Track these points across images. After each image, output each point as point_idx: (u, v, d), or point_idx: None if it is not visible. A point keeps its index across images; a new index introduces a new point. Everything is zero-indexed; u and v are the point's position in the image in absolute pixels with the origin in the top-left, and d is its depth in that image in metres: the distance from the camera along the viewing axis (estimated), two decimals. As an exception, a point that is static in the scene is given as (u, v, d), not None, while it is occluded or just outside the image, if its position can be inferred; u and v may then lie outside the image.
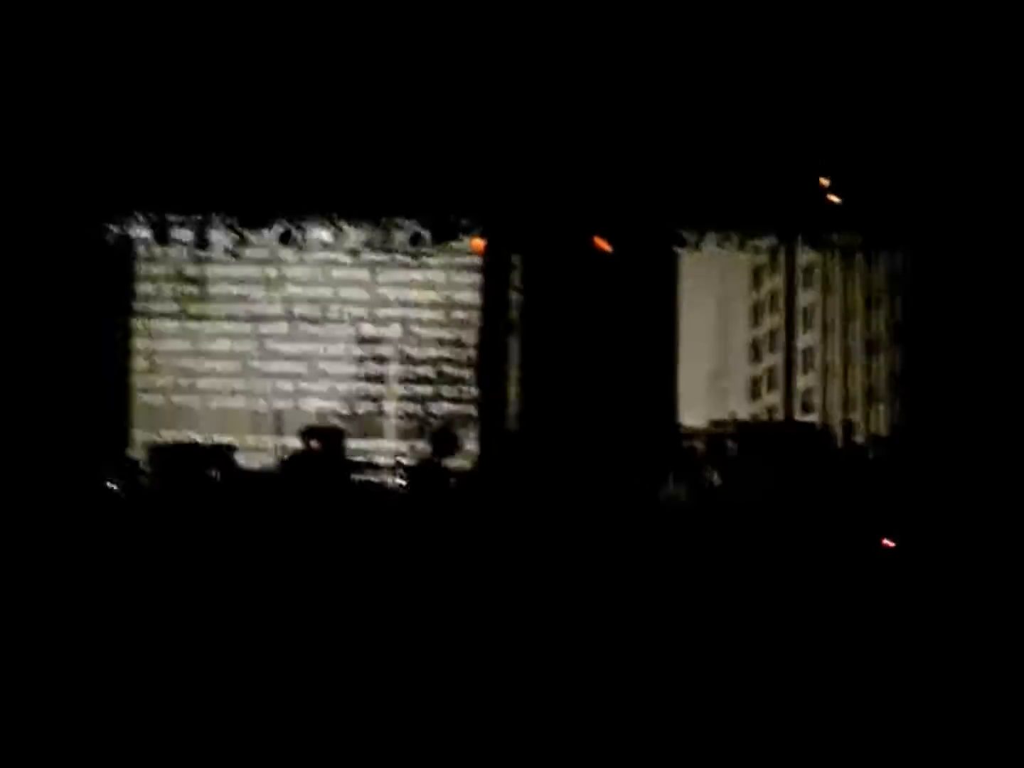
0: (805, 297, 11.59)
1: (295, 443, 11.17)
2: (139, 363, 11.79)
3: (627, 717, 6.16)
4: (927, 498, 9.35)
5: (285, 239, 11.50)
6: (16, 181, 10.82)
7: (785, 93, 10.31)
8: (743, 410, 11.59)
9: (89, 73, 10.56)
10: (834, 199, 10.77)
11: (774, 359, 11.67)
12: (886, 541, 9.28)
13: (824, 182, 10.74)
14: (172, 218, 11.49)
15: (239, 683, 6.83)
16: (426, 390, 11.63)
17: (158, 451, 11.19)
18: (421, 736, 6.03)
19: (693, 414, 11.20)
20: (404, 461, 11.25)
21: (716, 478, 10.45)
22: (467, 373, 11.59)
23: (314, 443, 10.85)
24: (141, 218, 11.53)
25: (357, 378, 11.73)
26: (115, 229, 11.56)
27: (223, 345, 11.78)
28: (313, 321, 11.73)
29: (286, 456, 11.11)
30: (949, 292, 10.58)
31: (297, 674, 7.04)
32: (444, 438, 10.87)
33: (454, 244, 11.46)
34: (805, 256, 11.55)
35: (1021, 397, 10.28)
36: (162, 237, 11.59)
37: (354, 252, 11.64)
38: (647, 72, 10.27)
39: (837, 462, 10.56)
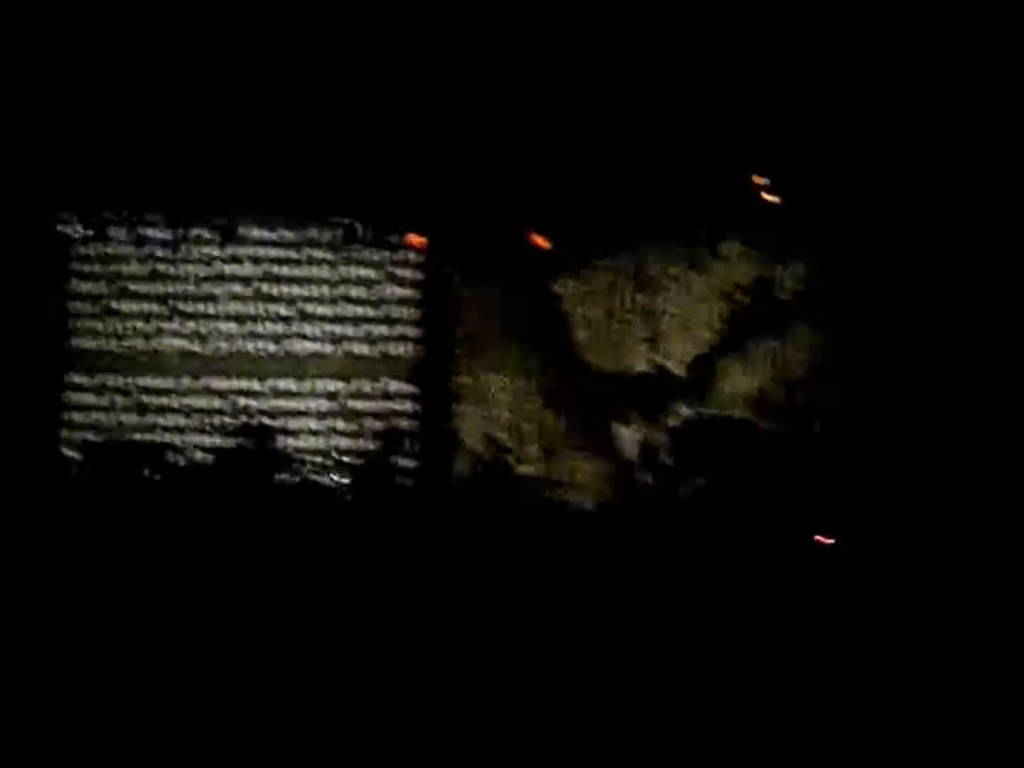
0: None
1: (228, 442, 11.11)
2: (73, 361, 11.66)
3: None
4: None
5: (225, 235, 11.43)
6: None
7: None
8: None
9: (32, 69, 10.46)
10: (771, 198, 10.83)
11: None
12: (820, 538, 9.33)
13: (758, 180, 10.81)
14: (108, 215, 11.37)
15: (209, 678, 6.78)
16: (364, 387, 11.57)
17: (91, 449, 11.10)
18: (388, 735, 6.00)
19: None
20: (343, 459, 11.21)
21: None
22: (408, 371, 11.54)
23: (247, 441, 10.79)
24: (76, 214, 11.42)
25: (292, 375, 11.63)
26: (52, 225, 11.44)
27: (161, 343, 11.66)
28: (249, 319, 11.64)
29: (219, 455, 11.05)
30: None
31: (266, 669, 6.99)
32: (387, 436, 10.85)
33: (390, 240, 11.44)
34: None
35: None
36: (99, 234, 11.48)
37: (289, 248, 11.57)
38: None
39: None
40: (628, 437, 11.17)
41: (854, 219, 10.73)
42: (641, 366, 11.36)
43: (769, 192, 10.81)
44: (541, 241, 11.42)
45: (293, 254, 11.58)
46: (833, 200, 10.71)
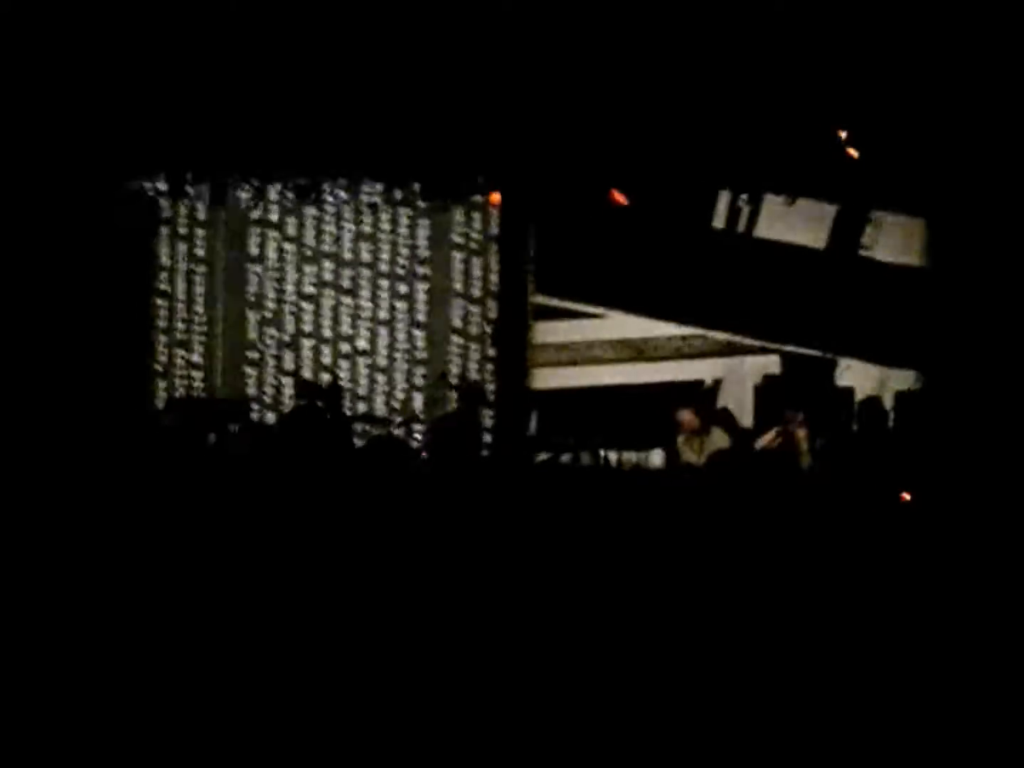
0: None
1: (305, 400, 11.29)
2: (160, 318, 11.89)
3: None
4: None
5: (302, 194, 11.55)
6: (37, 138, 10.92)
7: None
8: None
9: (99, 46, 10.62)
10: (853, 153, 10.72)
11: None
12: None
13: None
14: (190, 175, 11.56)
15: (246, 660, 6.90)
16: (441, 347, 11.65)
17: (177, 404, 11.35)
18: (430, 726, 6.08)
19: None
20: (419, 418, 11.33)
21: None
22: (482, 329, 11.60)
23: (316, 398, 10.92)
24: (162, 175, 11.62)
25: (369, 333, 11.73)
26: (135, 186, 11.65)
27: (240, 298, 11.84)
28: (331, 277, 11.78)
29: (290, 411, 11.20)
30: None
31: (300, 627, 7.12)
32: (468, 392, 10.84)
33: (468, 199, 11.49)
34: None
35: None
36: (181, 193, 11.68)
37: (371, 207, 11.66)
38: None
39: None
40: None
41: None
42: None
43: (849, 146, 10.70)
44: (621, 198, 11.40)
45: (370, 214, 11.68)
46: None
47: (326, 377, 11.47)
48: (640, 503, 9.50)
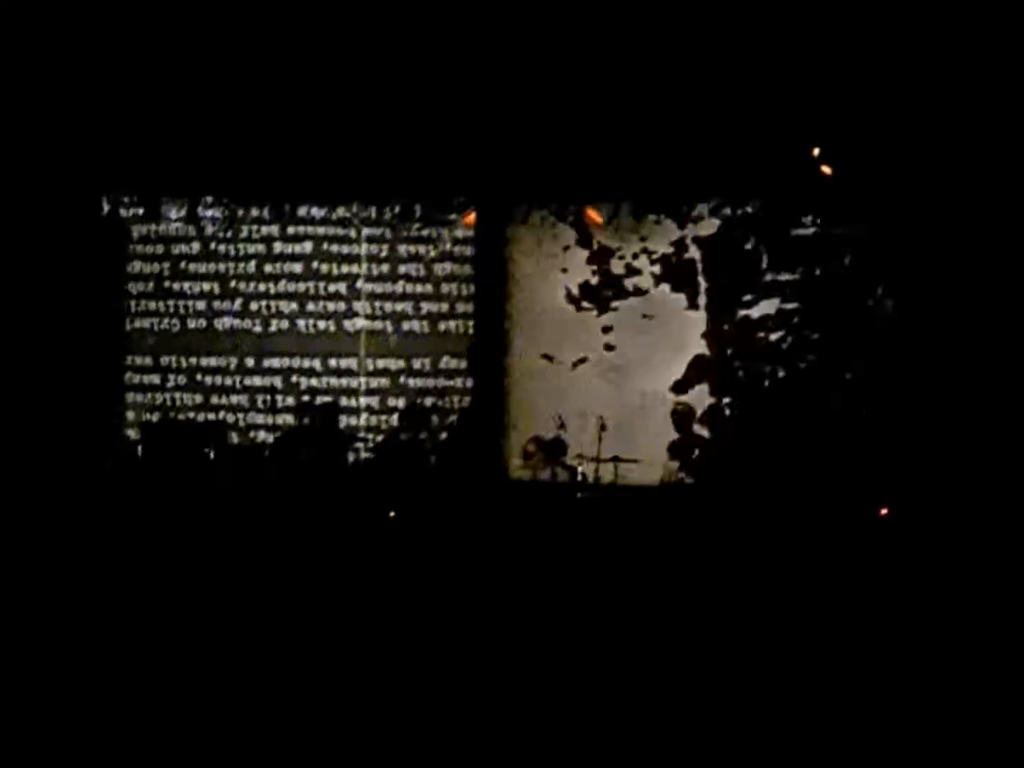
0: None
1: (289, 420, 11.22)
2: (132, 342, 11.78)
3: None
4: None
5: (277, 214, 11.49)
6: (10, 158, 10.82)
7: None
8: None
9: (82, 53, 10.54)
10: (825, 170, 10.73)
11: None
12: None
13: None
14: (163, 195, 11.47)
15: (236, 668, 6.85)
16: (421, 364, 11.61)
17: (151, 430, 11.24)
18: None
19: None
20: (399, 437, 11.28)
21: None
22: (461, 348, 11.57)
23: (308, 419, 10.89)
24: (133, 196, 11.53)
25: (349, 354, 11.69)
26: (107, 206, 11.55)
27: (217, 323, 11.76)
28: (306, 297, 11.71)
29: (281, 433, 11.15)
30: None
31: (290, 646, 7.06)
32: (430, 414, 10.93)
33: (445, 217, 11.46)
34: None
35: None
36: (154, 214, 11.58)
37: (347, 226, 11.62)
38: (628, 53, 10.24)
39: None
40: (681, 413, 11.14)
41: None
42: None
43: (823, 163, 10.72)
44: (596, 216, 11.42)
45: (348, 232, 11.63)
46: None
47: (324, 398, 11.39)
48: (618, 519, 9.51)
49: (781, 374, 11.06)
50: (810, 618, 7.34)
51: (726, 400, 11.17)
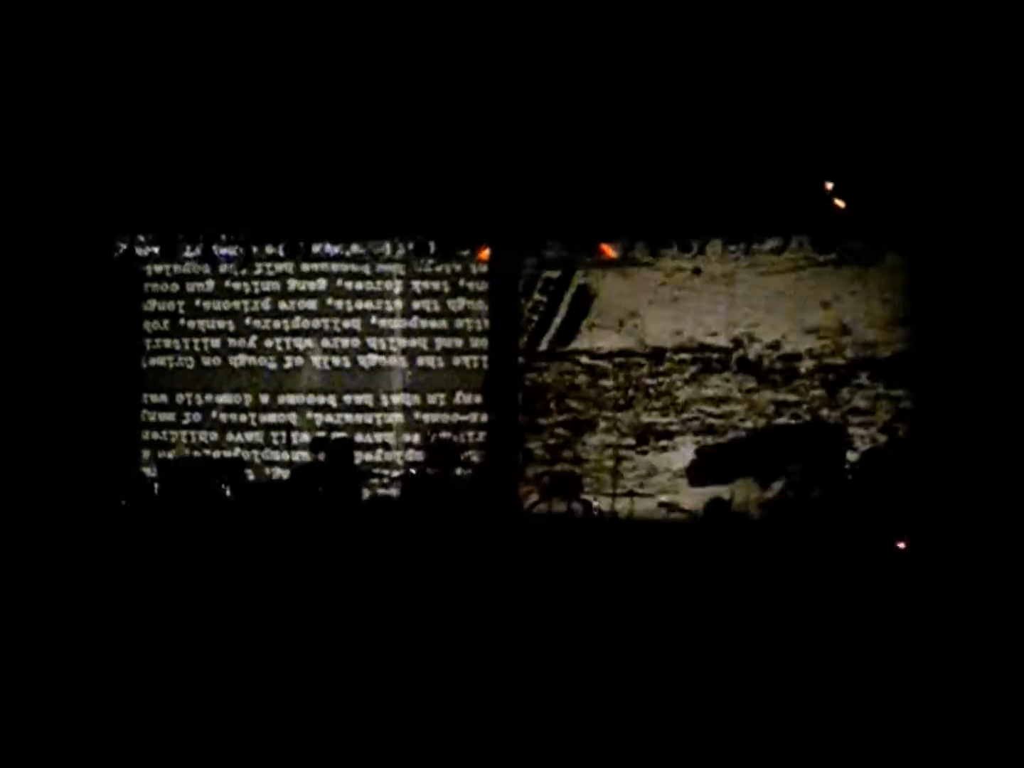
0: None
1: (305, 455, 11.24)
2: (148, 379, 11.82)
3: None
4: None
5: (292, 251, 11.54)
6: (26, 198, 10.91)
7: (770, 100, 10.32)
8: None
9: (96, 93, 10.62)
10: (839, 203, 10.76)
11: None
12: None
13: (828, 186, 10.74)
14: (179, 234, 11.54)
15: (245, 692, 6.86)
16: (436, 399, 11.63)
17: (168, 466, 11.27)
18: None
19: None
20: (411, 471, 11.29)
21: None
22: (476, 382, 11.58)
23: (323, 455, 10.90)
24: (148, 235, 11.61)
25: (365, 390, 11.72)
26: (123, 245, 11.63)
27: (233, 360, 11.80)
28: (320, 333, 11.74)
29: (296, 468, 11.18)
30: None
31: (302, 682, 7.07)
32: (445, 449, 10.94)
33: (459, 253, 11.51)
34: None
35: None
36: (170, 253, 11.66)
37: (361, 263, 11.68)
38: (639, 84, 10.29)
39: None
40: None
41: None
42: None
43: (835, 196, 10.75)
44: (610, 252, 11.46)
45: (363, 269, 11.69)
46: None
47: (338, 434, 11.41)
48: (631, 553, 9.50)
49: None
50: (826, 661, 7.33)
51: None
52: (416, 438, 11.56)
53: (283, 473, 11.50)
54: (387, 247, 11.64)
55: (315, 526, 10.03)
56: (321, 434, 11.38)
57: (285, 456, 11.61)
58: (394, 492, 11.08)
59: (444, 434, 11.33)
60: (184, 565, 9.26)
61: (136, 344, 11.77)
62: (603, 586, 8.76)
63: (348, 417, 11.66)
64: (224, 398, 11.76)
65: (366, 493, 10.96)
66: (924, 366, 10.86)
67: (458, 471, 10.78)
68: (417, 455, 11.42)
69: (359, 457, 11.32)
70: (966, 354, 10.41)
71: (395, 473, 11.39)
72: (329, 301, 11.77)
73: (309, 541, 9.66)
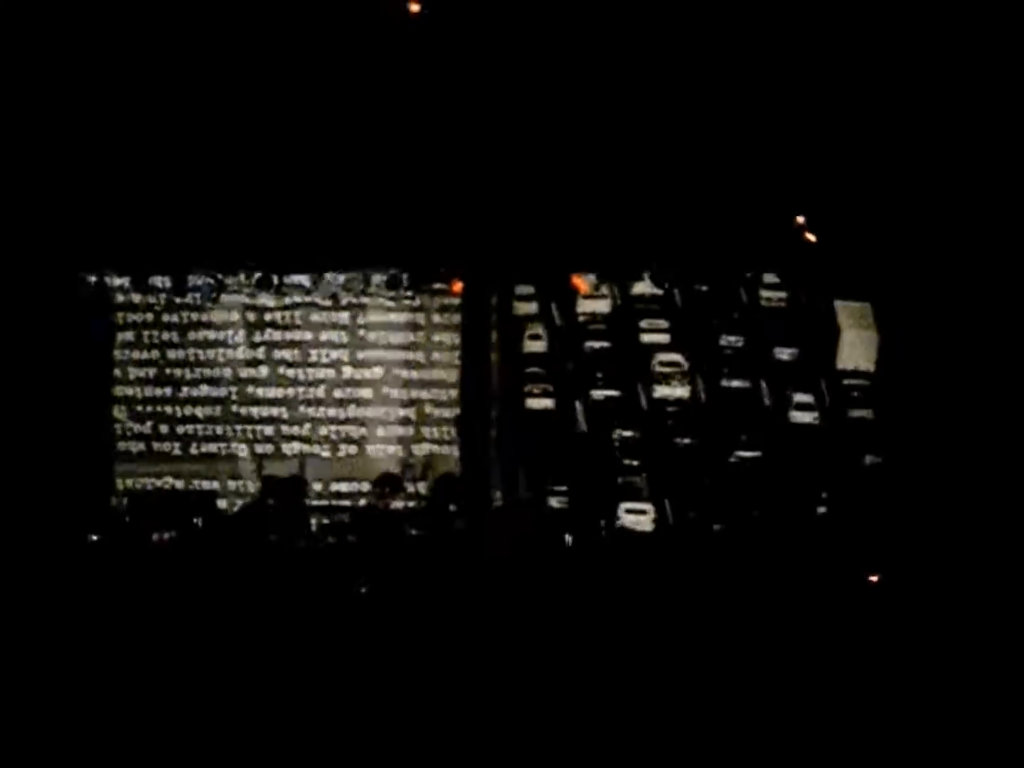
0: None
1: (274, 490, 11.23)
2: (119, 411, 11.76)
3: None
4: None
5: (263, 284, 11.53)
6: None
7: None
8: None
9: (68, 130, 10.63)
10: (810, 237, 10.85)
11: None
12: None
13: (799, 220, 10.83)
14: (149, 269, 11.53)
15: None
16: (407, 431, 11.63)
17: (140, 500, 11.20)
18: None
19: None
20: (385, 503, 11.29)
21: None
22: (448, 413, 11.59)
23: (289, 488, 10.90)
24: (120, 267, 11.57)
25: (338, 421, 11.71)
26: (93, 278, 11.58)
27: (203, 391, 11.77)
28: (293, 365, 11.73)
29: (264, 502, 11.15)
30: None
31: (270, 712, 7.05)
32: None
33: (432, 286, 11.53)
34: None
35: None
36: (141, 285, 11.62)
37: (333, 296, 11.68)
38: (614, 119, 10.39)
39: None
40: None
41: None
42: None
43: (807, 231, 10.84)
44: (582, 284, 11.50)
45: (335, 301, 11.67)
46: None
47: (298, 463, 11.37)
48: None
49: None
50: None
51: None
52: (385, 469, 11.55)
53: (251, 505, 11.46)
54: (359, 279, 11.62)
55: (276, 560, 10.01)
56: (291, 466, 11.37)
57: (252, 487, 11.56)
58: (356, 525, 11.08)
59: (416, 466, 11.34)
60: (155, 600, 9.21)
61: (108, 374, 11.70)
62: (575, 613, 8.76)
63: (316, 448, 11.64)
64: (194, 429, 11.70)
65: (326, 526, 10.99)
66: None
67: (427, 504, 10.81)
68: (384, 489, 11.41)
69: (320, 488, 11.33)
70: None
71: (359, 504, 11.39)
72: (300, 333, 11.74)
73: (272, 577, 9.63)
